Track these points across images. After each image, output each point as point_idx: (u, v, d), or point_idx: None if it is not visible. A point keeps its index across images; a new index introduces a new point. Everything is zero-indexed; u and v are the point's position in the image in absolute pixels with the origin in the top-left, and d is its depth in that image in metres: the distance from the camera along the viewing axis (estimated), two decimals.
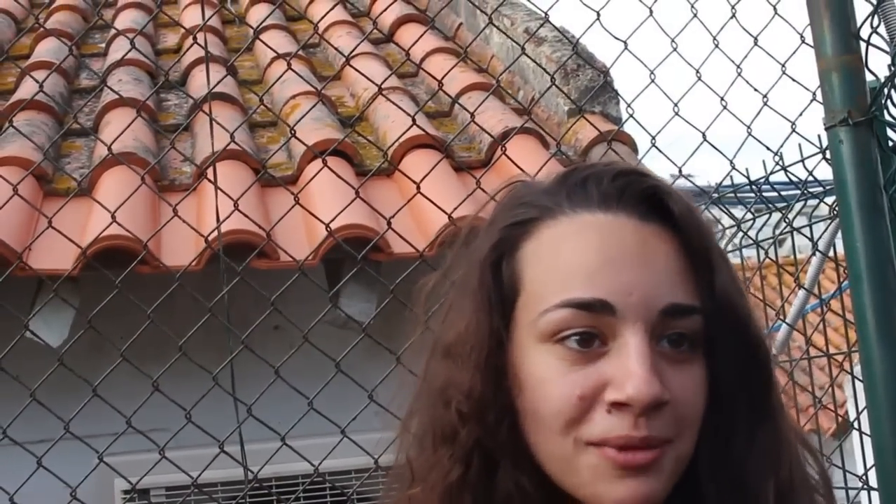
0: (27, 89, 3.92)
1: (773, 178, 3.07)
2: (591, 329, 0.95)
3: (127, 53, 4.14)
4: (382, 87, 3.70)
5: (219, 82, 3.08)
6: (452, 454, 1.01)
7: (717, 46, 2.58)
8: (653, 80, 2.54)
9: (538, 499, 0.99)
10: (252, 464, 2.52)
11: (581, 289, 0.95)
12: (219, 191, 2.84)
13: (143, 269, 2.93)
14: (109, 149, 2.77)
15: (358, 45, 3.61)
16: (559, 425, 0.95)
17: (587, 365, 0.95)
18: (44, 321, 2.90)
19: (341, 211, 2.82)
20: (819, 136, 3.04)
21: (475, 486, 1.00)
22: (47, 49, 4.36)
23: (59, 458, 2.56)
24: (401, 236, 2.81)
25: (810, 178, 2.93)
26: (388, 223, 2.71)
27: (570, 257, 0.97)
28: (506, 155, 2.99)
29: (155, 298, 2.71)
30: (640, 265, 0.96)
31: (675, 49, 2.53)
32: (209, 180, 2.87)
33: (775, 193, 3.11)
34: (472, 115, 3.03)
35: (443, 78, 3.15)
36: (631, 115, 2.55)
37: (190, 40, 4.27)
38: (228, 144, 3.00)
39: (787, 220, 2.82)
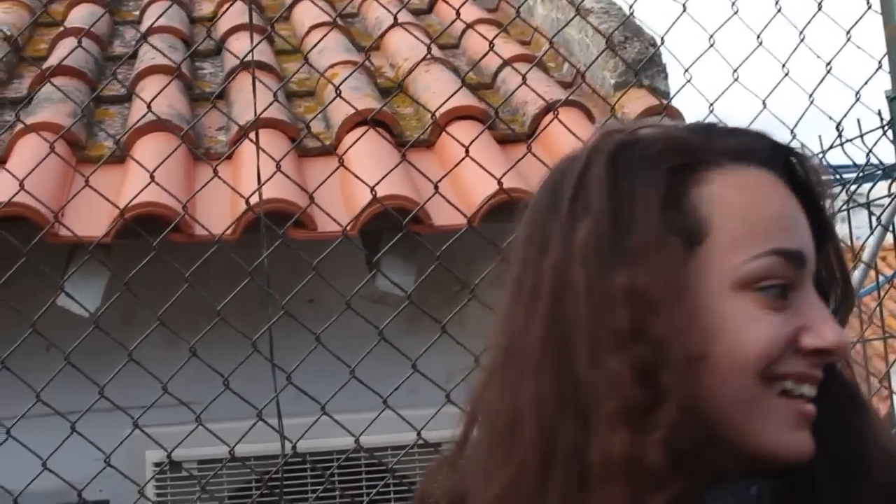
0: (60, 55, 3.84)
1: (828, 157, 2.96)
2: (787, 279, 0.96)
3: (157, 19, 4.07)
4: (423, 57, 3.62)
5: (255, 46, 2.98)
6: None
7: (779, 11, 2.47)
8: (712, 45, 2.43)
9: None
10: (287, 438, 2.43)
11: (784, 239, 0.97)
12: (260, 154, 2.76)
13: (177, 237, 2.85)
14: (149, 107, 2.68)
15: (398, 11, 3.51)
16: (757, 369, 0.94)
17: (780, 313, 0.96)
18: (76, 287, 2.82)
19: (384, 177, 2.73)
20: (879, 112, 2.93)
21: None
22: (80, 16, 4.28)
23: (91, 429, 2.49)
24: (450, 203, 2.72)
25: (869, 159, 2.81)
26: (436, 187, 2.62)
27: (765, 207, 0.98)
28: (558, 120, 2.89)
29: (187, 268, 2.64)
30: (805, 226, 0.99)
31: (735, 13, 2.42)
32: (251, 141, 2.77)
33: (833, 172, 2.99)
34: (524, 77, 2.94)
35: (490, 47, 3.04)
36: (688, 81, 2.44)
37: (226, 7, 4.18)
38: (269, 106, 2.92)
39: (848, 193, 2.70)
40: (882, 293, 3.18)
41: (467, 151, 2.70)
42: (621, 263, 0.95)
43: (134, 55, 3.99)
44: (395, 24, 3.33)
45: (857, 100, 2.57)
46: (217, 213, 2.95)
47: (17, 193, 2.70)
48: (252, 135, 3.24)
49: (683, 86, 2.36)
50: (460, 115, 3.44)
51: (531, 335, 0.97)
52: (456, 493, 1.05)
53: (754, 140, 1.02)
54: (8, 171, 2.92)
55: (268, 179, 2.62)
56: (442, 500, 1.06)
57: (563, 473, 0.93)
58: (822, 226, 1.02)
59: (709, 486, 0.96)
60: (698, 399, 0.93)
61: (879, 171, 2.95)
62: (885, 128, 2.58)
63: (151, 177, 2.66)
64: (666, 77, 3.69)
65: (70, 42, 3.92)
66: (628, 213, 0.96)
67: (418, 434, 2.43)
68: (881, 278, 3.24)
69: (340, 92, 2.91)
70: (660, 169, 0.98)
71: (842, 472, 0.99)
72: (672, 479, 0.91)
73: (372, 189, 2.73)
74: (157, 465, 2.77)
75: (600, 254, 0.96)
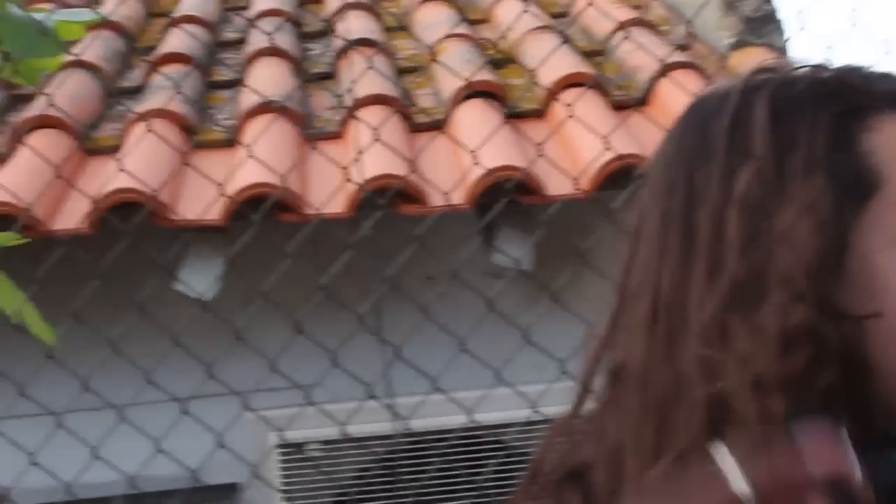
0: (172, 44, 3.87)
1: None
2: None
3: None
4: (531, 28, 3.56)
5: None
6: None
7: None
8: None
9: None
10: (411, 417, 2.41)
11: None
12: (370, 131, 2.74)
13: (289, 217, 2.84)
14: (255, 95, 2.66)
15: None
16: None
17: None
18: (193, 272, 2.83)
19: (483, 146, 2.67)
20: None
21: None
22: (190, 4, 4.31)
23: (209, 412, 2.50)
24: (556, 171, 2.65)
25: None
26: (540, 151, 2.55)
27: None
28: (673, 83, 2.80)
29: (310, 250, 2.63)
30: None
31: None
32: (355, 118, 2.74)
33: None
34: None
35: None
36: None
37: None
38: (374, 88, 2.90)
39: None
40: None
41: (571, 116, 2.62)
42: (787, 213, 0.88)
43: (243, 40, 4.00)
44: None
45: None
46: (328, 192, 2.92)
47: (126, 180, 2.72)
48: (361, 112, 3.24)
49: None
50: (571, 82, 3.36)
51: (688, 292, 0.90)
52: (577, 463, 0.99)
53: None
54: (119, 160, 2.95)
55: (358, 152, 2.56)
56: (559, 471, 1.00)
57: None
58: None
59: (866, 452, 0.88)
60: (862, 363, 0.87)
61: None
62: None
63: (253, 156, 2.64)
64: (782, 34, 3.56)
65: (180, 31, 3.96)
66: (795, 160, 0.90)
67: (534, 409, 2.37)
68: None
69: (447, 65, 2.87)
70: (826, 112, 0.92)
71: None
72: None
73: (475, 159, 2.66)
74: (279, 446, 2.77)
75: (765, 202, 0.89)
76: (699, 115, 0.97)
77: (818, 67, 0.97)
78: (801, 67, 0.97)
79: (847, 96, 0.93)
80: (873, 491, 0.85)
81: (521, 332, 2.51)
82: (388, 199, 2.82)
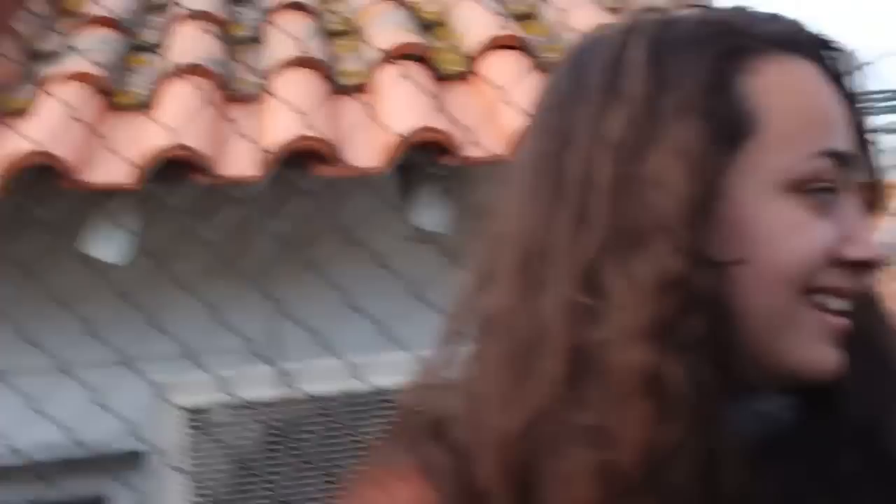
0: (97, 7, 3.78)
1: None
2: (835, 183, 0.88)
3: None
4: None
5: None
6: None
7: None
8: None
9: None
10: (313, 382, 2.36)
11: (835, 139, 0.89)
12: (292, 93, 2.68)
13: (202, 180, 2.77)
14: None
15: None
16: (800, 279, 0.86)
17: (824, 219, 0.87)
18: (103, 238, 2.76)
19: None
20: None
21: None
22: None
23: (110, 381, 2.45)
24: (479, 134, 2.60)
25: None
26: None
27: (815, 103, 0.89)
28: None
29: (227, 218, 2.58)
30: (850, 126, 0.91)
31: None
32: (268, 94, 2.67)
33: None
34: None
35: None
36: None
37: None
38: (298, 51, 2.84)
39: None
40: None
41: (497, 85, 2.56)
42: (658, 155, 0.85)
43: (172, 2, 3.92)
44: None
45: None
46: (245, 155, 2.86)
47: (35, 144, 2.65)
48: (287, 75, 3.18)
49: None
50: (498, 45, 3.31)
51: (557, 238, 0.86)
52: (440, 415, 0.94)
53: (796, 28, 0.92)
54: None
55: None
56: (422, 422, 0.95)
57: (593, 394, 0.83)
58: (856, 129, 0.92)
59: (730, 401, 0.86)
60: (728, 311, 0.84)
61: None
62: None
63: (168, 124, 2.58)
64: None
65: None
66: (669, 101, 0.86)
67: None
68: None
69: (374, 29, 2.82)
70: (706, 54, 0.88)
71: (873, 390, 0.91)
72: (696, 399, 0.81)
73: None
74: (183, 412, 2.72)
75: (635, 145, 0.85)
76: (578, 56, 0.93)
77: (705, 8, 0.94)
78: (688, 7, 0.93)
79: (729, 37, 0.89)
80: (741, 442, 0.83)
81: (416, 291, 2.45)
82: (308, 162, 2.77)
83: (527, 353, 0.86)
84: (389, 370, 2.51)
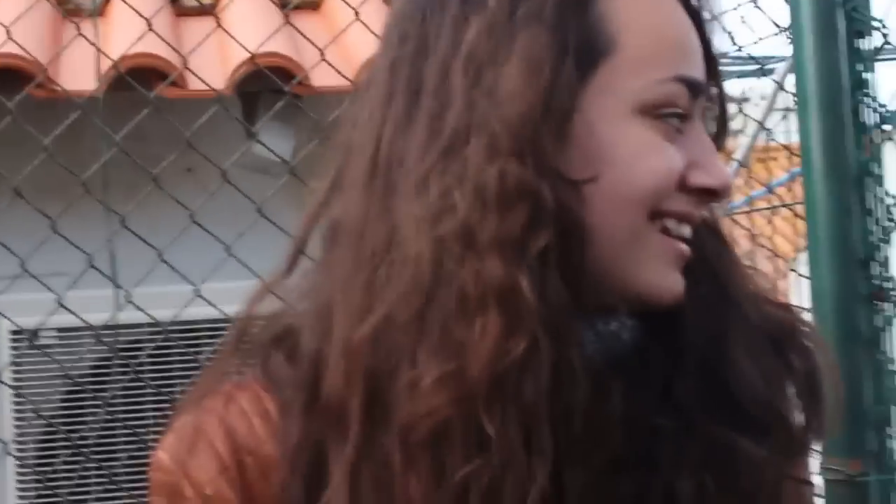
0: None
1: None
2: (686, 109, 0.89)
3: None
4: None
5: None
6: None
7: None
8: None
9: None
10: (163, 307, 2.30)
11: (688, 66, 0.90)
12: (131, 12, 2.58)
13: (38, 93, 2.67)
14: None
15: None
16: (649, 201, 0.87)
17: (674, 144, 0.88)
18: None
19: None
20: None
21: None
22: None
23: None
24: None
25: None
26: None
27: (671, 28, 0.90)
28: None
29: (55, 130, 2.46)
30: (702, 54, 0.92)
31: None
32: None
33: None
34: None
35: None
36: None
37: None
38: None
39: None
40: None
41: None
42: (512, 67, 0.84)
43: None
44: None
45: None
46: (82, 71, 2.77)
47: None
48: None
49: None
50: None
51: (409, 144, 0.86)
52: (285, 325, 0.94)
53: None
54: None
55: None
56: (266, 332, 0.95)
57: (443, 303, 0.82)
58: (707, 60, 0.93)
59: (580, 321, 0.86)
60: (580, 229, 0.85)
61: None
62: None
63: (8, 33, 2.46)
64: None
65: None
66: (528, 13, 0.85)
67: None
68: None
69: None
70: None
71: (712, 318, 0.92)
72: (544, 313, 0.81)
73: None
74: (13, 332, 2.62)
75: (493, 56, 0.85)
76: None
77: None
78: None
79: None
80: (587, 361, 0.84)
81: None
82: (150, 83, 2.69)
83: (377, 261, 0.85)
84: (231, 297, 2.47)
